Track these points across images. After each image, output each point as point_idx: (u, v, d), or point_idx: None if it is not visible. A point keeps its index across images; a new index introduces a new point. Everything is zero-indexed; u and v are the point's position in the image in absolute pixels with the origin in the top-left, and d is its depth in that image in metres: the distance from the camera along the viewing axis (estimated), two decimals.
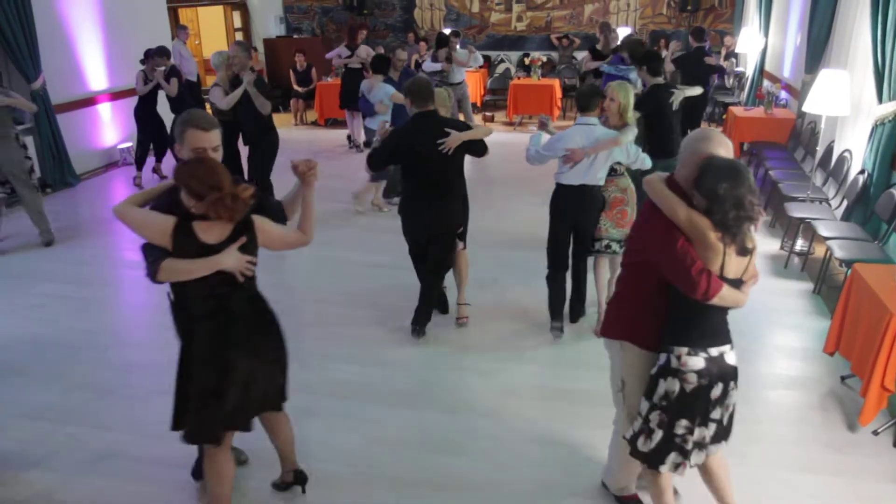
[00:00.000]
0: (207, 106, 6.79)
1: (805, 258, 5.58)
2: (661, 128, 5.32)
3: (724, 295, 2.38)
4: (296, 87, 11.51)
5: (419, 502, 3.10)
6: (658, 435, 2.56)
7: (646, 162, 4.27)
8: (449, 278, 4.73)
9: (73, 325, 4.83)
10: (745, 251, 2.39)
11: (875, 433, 3.49)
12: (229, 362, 2.59)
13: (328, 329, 4.66)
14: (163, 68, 7.69)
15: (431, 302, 4.54)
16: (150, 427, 3.68)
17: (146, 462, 3.40)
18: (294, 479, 3.10)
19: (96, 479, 3.28)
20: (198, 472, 3.10)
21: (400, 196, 4.62)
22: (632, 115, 4.29)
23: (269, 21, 13.50)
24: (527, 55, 12.56)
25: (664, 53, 11.32)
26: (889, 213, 4.76)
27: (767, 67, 9.55)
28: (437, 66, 9.31)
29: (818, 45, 7.10)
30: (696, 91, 5.81)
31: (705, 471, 2.79)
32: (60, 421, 3.69)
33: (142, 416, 3.78)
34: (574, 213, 4.27)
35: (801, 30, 7.86)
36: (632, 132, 4.20)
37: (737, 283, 2.43)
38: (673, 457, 2.57)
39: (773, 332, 4.54)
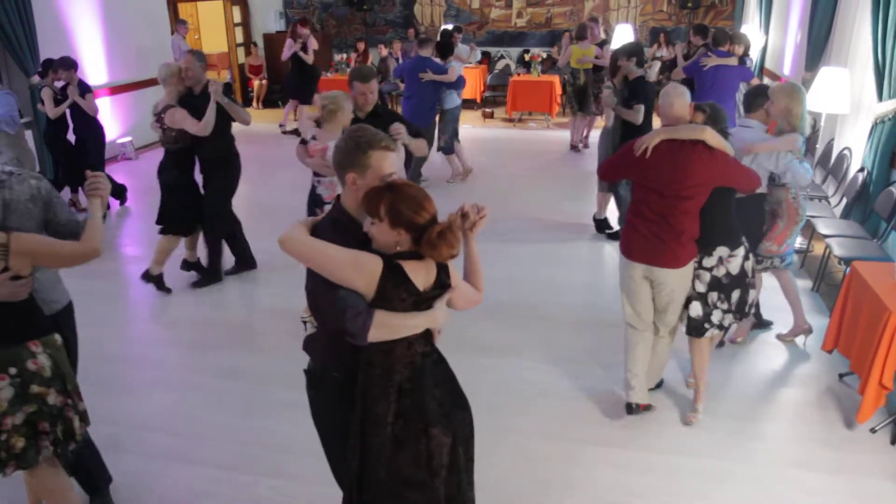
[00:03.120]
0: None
1: (804, 256, 5.59)
2: (643, 120, 5.30)
3: None
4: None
5: None
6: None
7: (799, 175, 3.82)
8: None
9: None
10: None
11: (873, 431, 3.50)
12: (432, 442, 2.12)
13: None
14: (69, 83, 6.40)
15: None
16: (150, 420, 3.68)
17: (145, 456, 3.41)
18: None
19: None
20: None
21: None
22: (802, 121, 3.85)
23: (268, 16, 13.47)
24: (527, 51, 12.54)
25: (662, 53, 11.35)
26: (888, 211, 4.76)
27: (767, 65, 9.54)
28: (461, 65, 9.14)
29: (818, 42, 7.09)
30: None
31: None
32: None
33: (141, 409, 3.78)
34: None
35: (802, 27, 7.85)
36: (793, 139, 3.81)
37: None
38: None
39: (771, 329, 4.54)
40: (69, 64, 6.45)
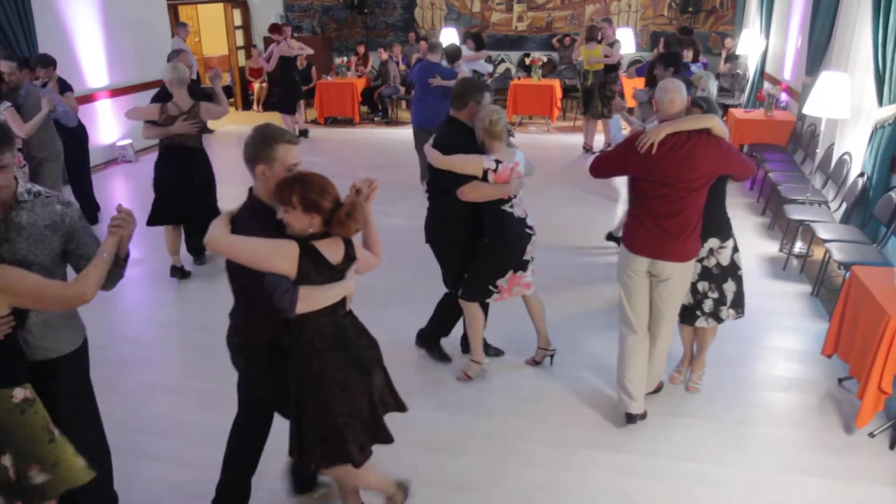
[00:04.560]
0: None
1: (804, 260, 5.59)
2: None
3: None
4: None
5: (419, 502, 3.10)
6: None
7: None
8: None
9: None
10: None
11: (871, 435, 3.50)
12: (368, 385, 2.53)
13: None
14: (48, 82, 5.99)
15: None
16: (150, 424, 3.68)
17: (143, 458, 3.40)
18: None
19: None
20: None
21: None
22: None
23: (269, 19, 13.46)
24: (527, 55, 12.55)
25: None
26: (888, 216, 4.76)
27: (768, 69, 9.55)
28: (490, 67, 9.27)
29: (819, 47, 7.10)
30: None
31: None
32: None
33: (141, 412, 3.78)
34: None
35: (802, 32, 7.86)
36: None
37: None
38: None
39: (771, 334, 4.54)
40: (47, 61, 6.08)
